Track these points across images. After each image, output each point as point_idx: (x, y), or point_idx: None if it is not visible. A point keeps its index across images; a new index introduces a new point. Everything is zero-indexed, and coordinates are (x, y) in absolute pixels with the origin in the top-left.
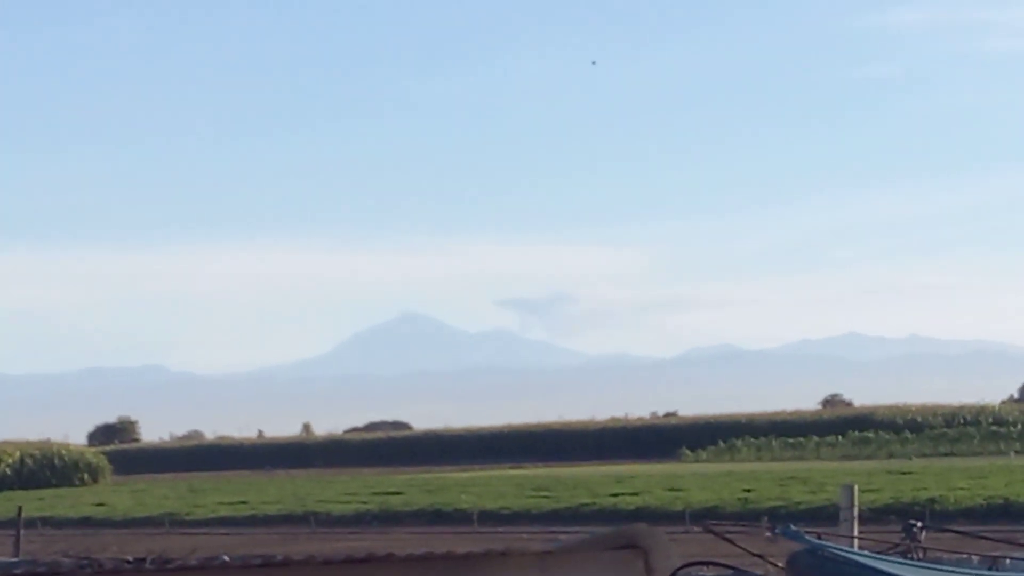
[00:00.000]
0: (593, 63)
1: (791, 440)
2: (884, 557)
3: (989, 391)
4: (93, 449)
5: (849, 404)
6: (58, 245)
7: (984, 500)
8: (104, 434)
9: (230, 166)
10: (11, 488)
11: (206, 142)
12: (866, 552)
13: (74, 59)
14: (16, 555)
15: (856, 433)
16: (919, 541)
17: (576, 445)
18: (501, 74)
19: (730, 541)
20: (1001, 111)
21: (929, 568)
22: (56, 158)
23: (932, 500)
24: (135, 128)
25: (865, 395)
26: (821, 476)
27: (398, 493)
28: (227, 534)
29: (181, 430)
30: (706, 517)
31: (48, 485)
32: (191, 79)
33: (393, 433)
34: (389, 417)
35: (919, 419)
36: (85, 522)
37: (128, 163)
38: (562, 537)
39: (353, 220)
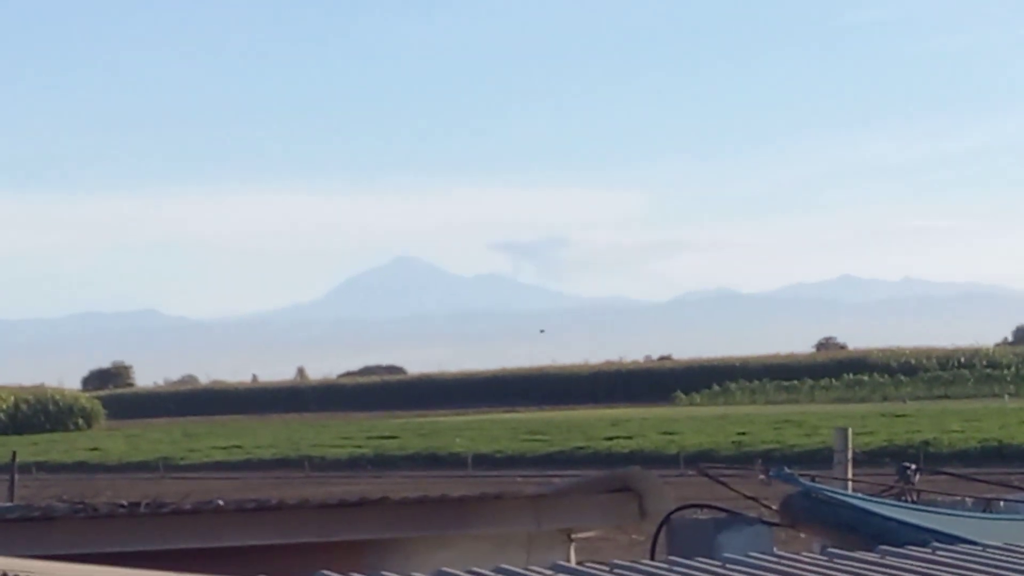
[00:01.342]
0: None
1: (785, 383)
2: (878, 499)
3: (983, 334)
4: (87, 394)
5: (843, 347)
6: (51, 190)
7: (978, 443)
8: (98, 379)
9: (224, 112)
10: (5, 433)
11: (199, 87)
12: (860, 494)
13: (67, 2)
14: (11, 500)
15: (850, 376)
16: (913, 484)
17: (570, 389)
18: (492, 15)
19: (724, 484)
20: (997, 54)
21: (923, 510)
22: (50, 102)
23: (926, 443)
24: (129, 74)
25: (859, 338)
26: (815, 419)
27: (392, 437)
28: (221, 478)
29: (175, 375)
30: (700, 460)
31: (42, 430)
32: (181, 24)
33: (387, 377)
34: (383, 361)
35: (913, 362)
36: (79, 467)
37: (121, 108)
38: (556, 481)
39: (346, 165)
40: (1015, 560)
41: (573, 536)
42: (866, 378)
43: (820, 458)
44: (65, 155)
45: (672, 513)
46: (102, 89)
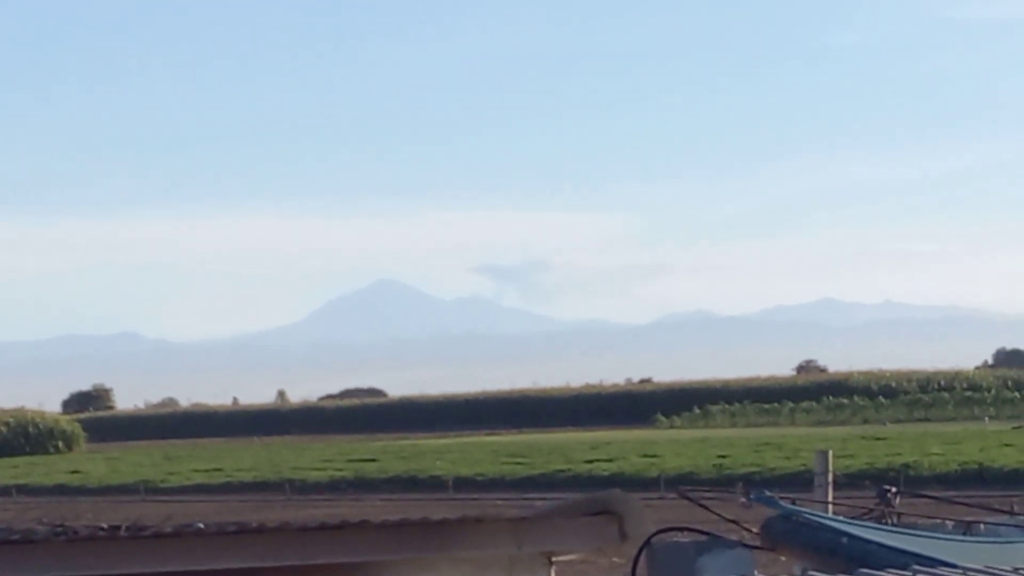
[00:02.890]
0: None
1: (766, 406)
2: (858, 522)
3: (963, 357)
4: (68, 417)
5: (824, 370)
6: (32, 213)
7: (958, 465)
8: (79, 402)
9: (205, 134)
10: None
11: (181, 109)
12: (840, 517)
13: (48, 21)
14: None
15: (831, 399)
16: (893, 507)
17: (551, 412)
18: (472, 40)
19: (705, 507)
20: (978, 78)
21: (904, 533)
22: (29, 124)
23: (907, 465)
24: (110, 95)
25: (840, 361)
26: (796, 442)
27: (373, 460)
28: (202, 501)
29: (156, 398)
30: (681, 483)
31: (22, 453)
32: (169, 47)
33: (368, 400)
34: (364, 384)
35: (893, 385)
36: (60, 490)
37: (103, 130)
38: (537, 503)
39: (328, 187)
40: None
41: (554, 559)
42: (846, 401)
43: (800, 481)
44: (45, 178)
45: (653, 536)
46: (83, 112)
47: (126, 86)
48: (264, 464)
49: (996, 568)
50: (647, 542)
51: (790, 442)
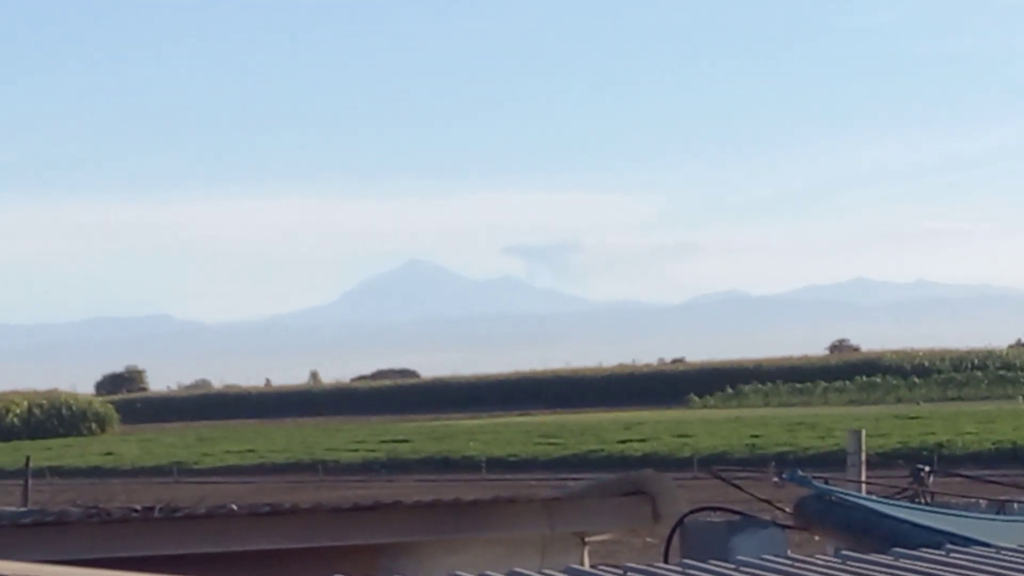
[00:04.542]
0: None
1: (799, 385)
2: (891, 501)
3: (996, 335)
4: (101, 398)
5: (856, 349)
6: (65, 195)
7: (992, 444)
8: (112, 383)
9: (237, 116)
10: (19, 438)
11: (214, 91)
12: (873, 496)
13: (78, 5)
14: (24, 505)
15: (864, 378)
16: (927, 486)
17: (584, 392)
18: (505, 18)
19: (738, 487)
20: (1009, 56)
21: (937, 512)
22: (64, 107)
23: (940, 444)
24: (143, 78)
25: (872, 340)
26: (829, 421)
27: (406, 441)
28: (235, 483)
29: (188, 379)
30: (714, 463)
31: (56, 435)
32: (192, 28)
33: (400, 381)
34: (396, 365)
35: (927, 364)
36: (93, 471)
37: (136, 113)
38: (570, 484)
39: (360, 168)
40: None
41: (587, 539)
42: (879, 380)
43: (833, 460)
44: (78, 160)
45: (686, 516)
46: (116, 94)
47: (158, 66)
48: (297, 445)
49: None
50: (680, 522)
51: (823, 421)
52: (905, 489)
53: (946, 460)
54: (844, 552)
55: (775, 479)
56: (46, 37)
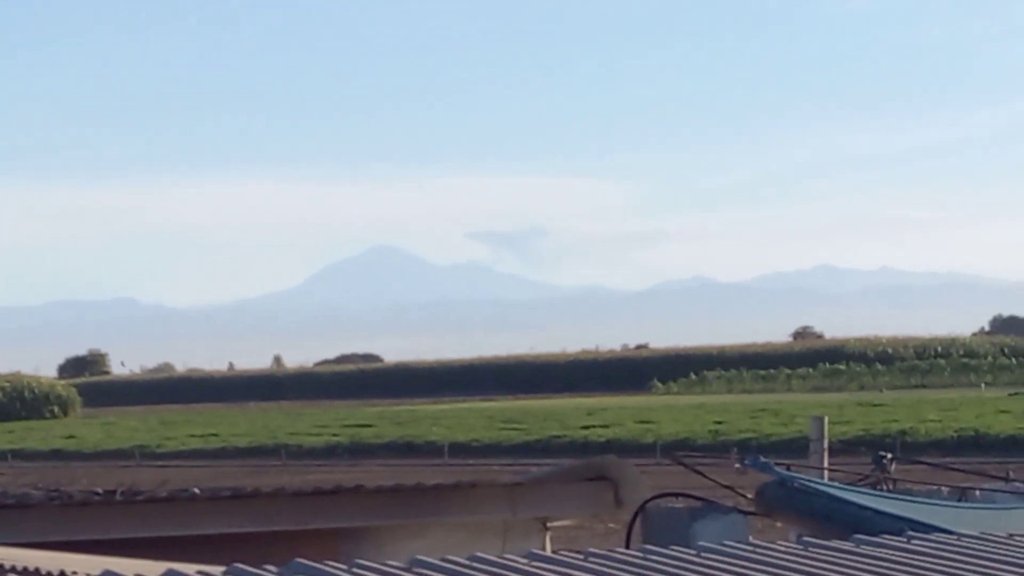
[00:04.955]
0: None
1: (762, 372)
2: (854, 488)
3: (960, 324)
4: (63, 382)
5: (820, 336)
6: (27, 179)
7: (954, 432)
8: (74, 367)
9: (201, 100)
10: None
11: (177, 76)
12: (836, 483)
13: None
14: None
15: (827, 365)
16: (889, 473)
17: (547, 378)
18: (468, 2)
19: (700, 473)
20: (978, 46)
21: (899, 499)
22: (25, 91)
23: (903, 432)
24: (107, 63)
25: (836, 327)
26: (792, 408)
27: (369, 426)
28: (197, 466)
29: (151, 363)
30: (677, 449)
31: (18, 418)
32: (160, 13)
33: (364, 366)
34: (360, 350)
35: (890, 351)
36: (55, 455)
37: (97, 97)
38: (533, 469)
39: (324, 153)
40: (989, 548)
41: (549, 525)
42: (843, 367)
43: (796, 447)
44: (42, 144)
45: (647, 502)
46: (77, 78)
47: (120, 50)
48: (260, 429)
49: (991, 534)
50: (642, 508)
51: (786, 408)
52: (867, 476)
53: (908, 447)
54: (806, 539)
55: (737, 465)
56: (18, 18)
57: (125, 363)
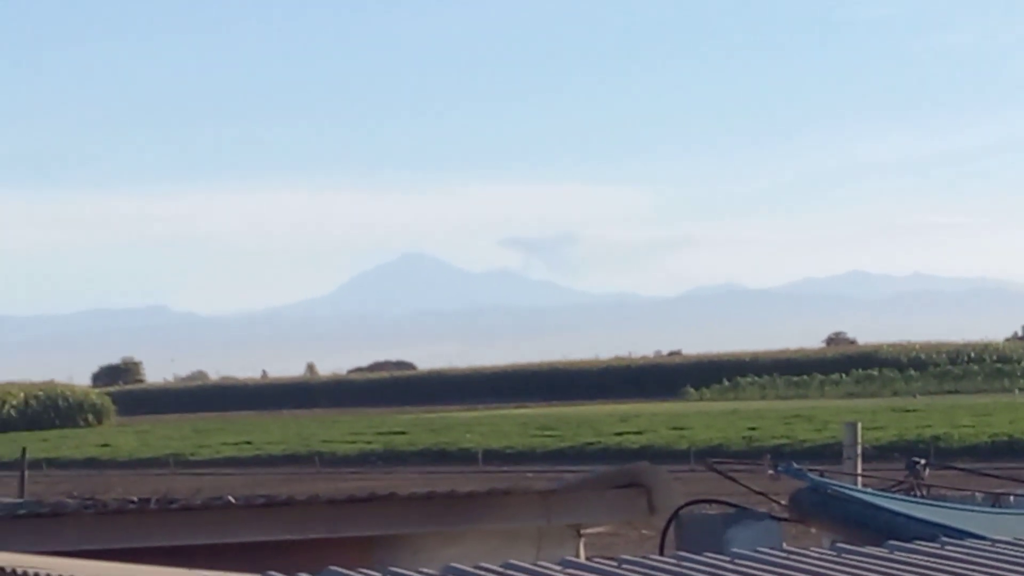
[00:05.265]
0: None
1: (795, 378)
2: (887, 494)
3: (993, 329)
4: (97, 390)
5: (853, 342)
6: (62, 187)
7: (988, 437)
8: (108, 375)
9: (234, 108)
10: (16, 429)
11: (210, 84)
12: (869, 489)
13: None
14: (21, 496)
15: (860, 371)
16: (923, 478)
17: (580, 384)
18: (500, 10)
19: (733, 479)
20: (1009, 51)
21: (932, 505)
22: (60, 99)
23: (936, 437)
24: (139, 70)
25: (869, 333)
26: (825, 414)
27: (402, 433)
28: (231, 474)
29: (185, 371)
30: (710, 455)
31: (52, 426)
32: (190, 20)
33: (397, 373)
34: (393, 357)
35: (923, 357)
36: (90, 463)
37: (132, 105)
38: (566, 476)
39: (356, 160)
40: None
41: (582, 532)
42: (876, 373)
43: (830, 453)
44: (75, 152)
45: (681, 508)
46: (112, 86)
47: (153, 58)
48: (293, 437)
49: None
50: (675, 514)
51: (819, 414)
52: (901, 482)
53: (942, 453)
54: (839, 545)
55: (770, 472)
56: (48, 27)
57: (173, 362)
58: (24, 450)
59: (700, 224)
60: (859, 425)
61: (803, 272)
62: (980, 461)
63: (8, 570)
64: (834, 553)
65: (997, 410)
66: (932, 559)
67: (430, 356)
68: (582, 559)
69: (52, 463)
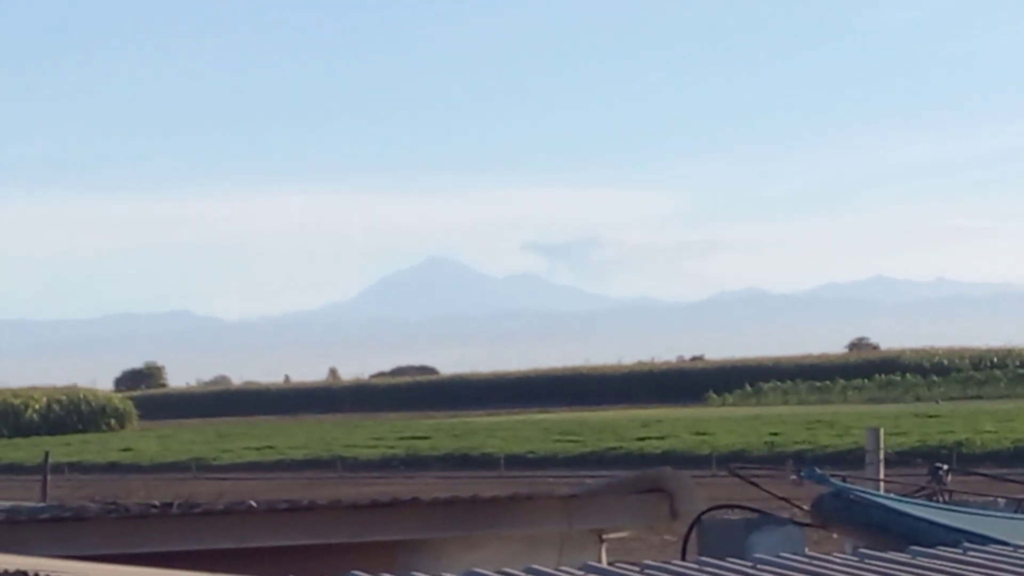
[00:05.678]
0: None
1: (818, 383)
2: (910, 500)
3: (1017, 334)
4: (120, 394)
5: (876, 347)
6: (83, 192)
7: (1011, 443)
8: (131, 379)
9: (257, 111)
10: (38, 434)
11: (232, 86)
12: (892, 495)
13: (98, 3)
14: (43, 500)
15: (883, 376)
16: (945, 484)
17: (603, 389)
18: (524, 13)
19: (756, 485)
20: None
21: (955, 511)
22: (82, 103)
23: (959, 443)
24: (161, 74)
25: (892, 338)
26: (848, 419)
27: (425, 438)
28: (254, 479)
29: (208, 375)
30: (732, 461)
31: (75, 430)
32: (217, 21)
33: (420, 378)
34: (415, 362)
35: (946, 362)
36: (112, 467)
37: (154, 109)
38: (588, 481)
39: (379, 165)
40: None
41: (604, 537)
42: (899, 378)
43: (852, 458)
44: (97, 157)
45: (703, 514)
46: (134, 90)
47: (181, 61)
48: (316, 442)
49: None
50: (698, 519)
51: (842, 419)
52: (924, 488)
53: (965, 459)
54: (862, 550)
55: (793, 477)
56: (76, 30)
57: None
58: (47, 454)
59: (724, 229)
60: (882, 430)
61: (826, 277)
62: (1003, 467)
63: (31, 574)
64: (857, 559)
65: (1020, 416)
66: (955, 565)
67: (453, 361)
68: (604, 564)
69: (74, 467)
